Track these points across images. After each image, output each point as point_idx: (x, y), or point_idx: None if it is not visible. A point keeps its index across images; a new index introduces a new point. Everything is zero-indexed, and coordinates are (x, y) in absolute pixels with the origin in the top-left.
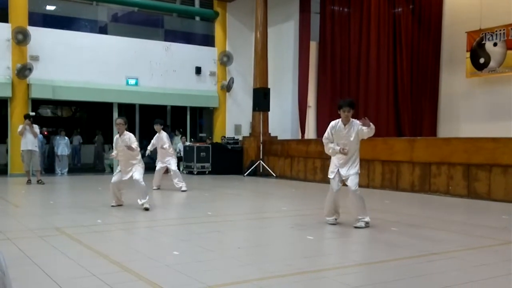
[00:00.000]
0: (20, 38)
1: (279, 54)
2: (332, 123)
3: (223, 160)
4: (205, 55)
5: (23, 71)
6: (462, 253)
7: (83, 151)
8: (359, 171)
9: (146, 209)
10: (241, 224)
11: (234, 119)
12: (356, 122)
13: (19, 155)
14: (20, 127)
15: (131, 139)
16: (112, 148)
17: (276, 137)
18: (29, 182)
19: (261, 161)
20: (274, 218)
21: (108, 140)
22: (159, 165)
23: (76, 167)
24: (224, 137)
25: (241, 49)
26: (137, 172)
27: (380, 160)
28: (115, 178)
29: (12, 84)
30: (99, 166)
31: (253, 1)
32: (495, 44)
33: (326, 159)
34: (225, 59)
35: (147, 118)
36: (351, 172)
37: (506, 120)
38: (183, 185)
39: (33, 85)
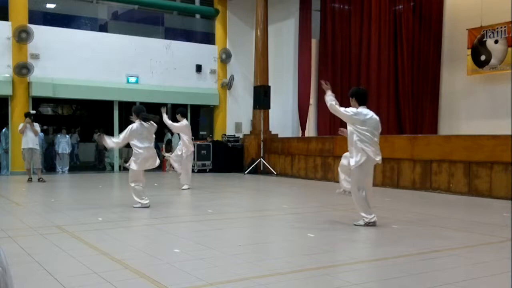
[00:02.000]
0: (24, 37)
1: (279, 52)
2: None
3: (224, 158)
4: (206, 53)
5: (19, 69)
6: (463, 250)
7: (84, 149)
8: (357, 165)
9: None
10: (242, 222)
11: (235, 117)
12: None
13: (20, 153)
14: (21, 126)
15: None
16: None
17: (277, 135)
18: (30, 180)
19: (261, 159)
20: (275, 216)
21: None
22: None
23: (77, 165)
24: (225, 135)
25: (241, 47)
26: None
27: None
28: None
29: (13, 82)
30: (99, 165)
31: None
32: (496, 41)
33: (326, 157)
34: (226, 57)
35: None
36: (351, 164)
37: (507, 117)
38: (186, 184)
39: (33, 83)
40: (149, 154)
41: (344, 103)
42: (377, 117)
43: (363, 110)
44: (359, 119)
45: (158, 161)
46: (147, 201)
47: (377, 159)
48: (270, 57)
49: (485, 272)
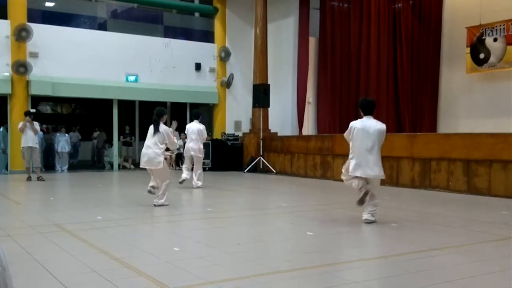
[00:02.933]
0: (24, 35)
1: (278, 50)
2: None
3: (223, 156)
4: (205, 51)
5: (16, 67)
6: (462, 248)
7: (83, 147)
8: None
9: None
10: (241, 220)
11: (234, 116)
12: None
13: (19, 152)
14: (21, 124)
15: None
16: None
17: (276, 133)
18: (29, 179)
19: (261, 158)
20: (274, 214)
21: (109, 137)
22: None
23: (76, 164)
24: (224, 133)
25: (240, 45)
26: None
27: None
28: None
29: (12, 81)
30: (98, 163)
31: None
32: (495, 40)
33: (326, 155)
34: (225, 55)
35: (146, 114)
36: None
37: (506, 115)
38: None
39: (32, 81)
40: (144, 151)
41: (344, 102)
42: (374, 127)
43: (358, 121)
44: (349, 134)
45: (153, 163)
46: (156, 201)
47: (356, 174)
48: (269, 55)
49: (484, 270)
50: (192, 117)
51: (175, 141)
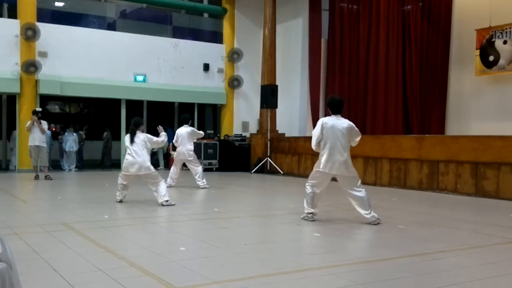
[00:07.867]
0: (30, 34)
1: (287, 51)
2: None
3: (231, 157)
4: (213, 52)
5: (26, 67)
6: (469, 251)
7: (91, 147)
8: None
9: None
10: (248, 221)
11: (242, 116)
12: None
13: (27, 151)
14: (28, 123)
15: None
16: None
17: (284, 134)
18: (36, 177)
19: (268, 158)
20: (281, 215)
21: (116, 137)
22: None
23: (84, 163)
24: (227, 135)
25: (249, 46)
26: None
27: (388, 157)
28: None
29: (21, 80)
30: (106, 163)
31: None
32: (505, 42)
33: None
34: (233, 56)
35: (154, 114)
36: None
37: None
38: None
39: (41, 81)
40: (132, 160)
41: (353, 104)
42: (344, 125)
43: (324, 119)
44: (318, 133)
45: (144, 168)
46: (163, 201)
47: (325, 170)
48: (277, 56)
49: (491, 273)
50: (182, 122)
51: (161, 138)
